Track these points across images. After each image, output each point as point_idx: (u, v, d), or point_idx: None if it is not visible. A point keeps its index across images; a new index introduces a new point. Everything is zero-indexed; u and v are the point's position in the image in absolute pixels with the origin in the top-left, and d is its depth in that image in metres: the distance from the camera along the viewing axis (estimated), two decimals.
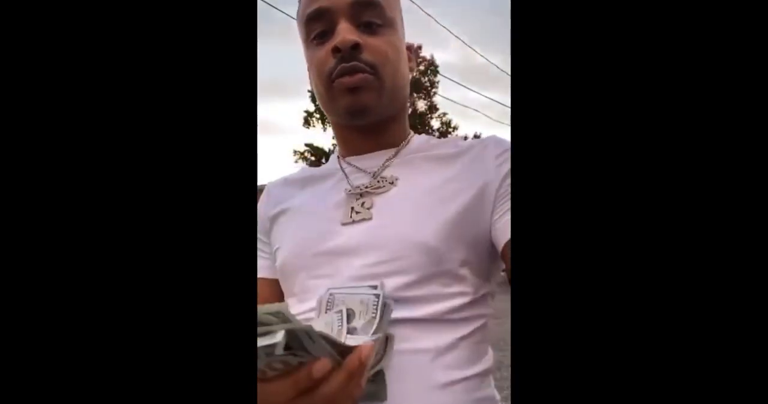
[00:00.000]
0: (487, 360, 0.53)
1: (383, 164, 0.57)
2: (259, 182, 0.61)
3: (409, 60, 0.61)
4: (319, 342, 0.35)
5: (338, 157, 0.63)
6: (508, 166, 0.52)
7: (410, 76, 0.60)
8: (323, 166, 0.65)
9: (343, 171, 0.60)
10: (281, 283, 0.61)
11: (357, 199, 0.55)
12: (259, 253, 0.63)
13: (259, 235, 0.63)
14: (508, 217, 0.49)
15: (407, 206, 0.52)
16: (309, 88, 0.70)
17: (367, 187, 0.55)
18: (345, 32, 0.51)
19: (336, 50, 0.52)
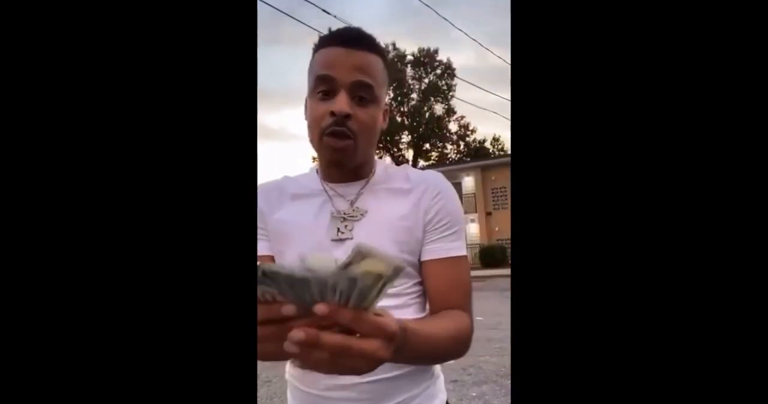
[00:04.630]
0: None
1: (357, 193, 0.81)
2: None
3: (383, 119, 0.82)
4: (299, 287, 0.38)
5: (321, 180, 0.84)
6: (441, 203, 0.78)
7: (381, 130, 0.83)
8: (306, 183, 0.86)
9: (327, 194, 0.82)
10: None
11: (341, 222, 0.78)
12: (258, 236, 0.80)
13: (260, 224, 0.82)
14: (431, 246, 0.76)
15: (376, 231, 0.76)
16: None
17: (346, 214, 0.79)
18: (342, 103, 0.72)
19: (333, 114, 0.72)
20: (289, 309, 0.40)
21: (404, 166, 0.88)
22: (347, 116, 0.73)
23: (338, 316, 0.41)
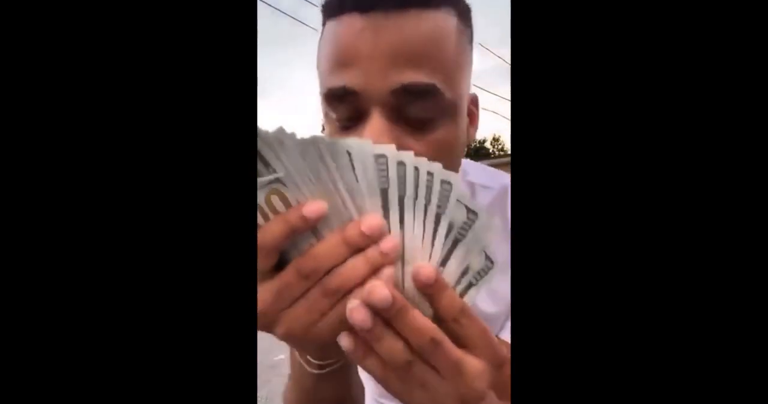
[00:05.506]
0: None
1: None
2: None
3: (472, 124, 0.48)
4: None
5: None
6: None
7: (467, 144, 0.49)
8: None
9: None
10: None
11: None
12: None
13: None
14: None
15: None
16: None
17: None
18: (377, 134, 0.37)
19: None
20: (316, 207, 0.28)
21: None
22: None
23: (438, 288, 0.28)
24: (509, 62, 0.33)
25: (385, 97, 0.38)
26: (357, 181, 0.29)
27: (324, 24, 0.44)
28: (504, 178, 0.59)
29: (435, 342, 0.28)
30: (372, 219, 0.30)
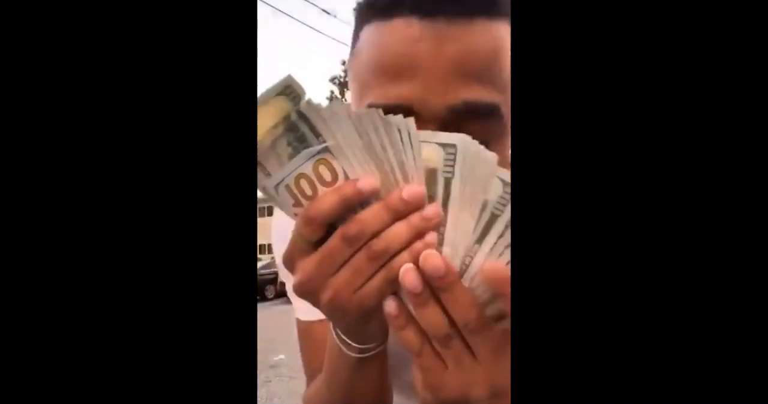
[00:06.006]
0: None
1: None
2: None
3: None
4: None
5: None
6: None
7: None
8: None
9: None
10: None
11: None
12: None
13: None
14: None
15: None
16: None
17: None
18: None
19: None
20: (370, 181, 0.29)
21: None
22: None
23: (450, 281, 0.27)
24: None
25: (441, 114, 0.35)
26: (406, 156, 0.30)
27: (362, 26, 0.41)
28: None
29: (479, 322, 0.28)
30: (413, 187, 0.30)
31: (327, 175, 0.32)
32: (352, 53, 0.42)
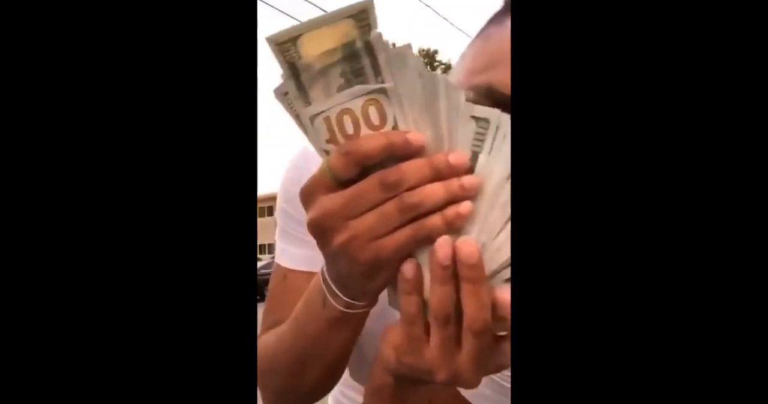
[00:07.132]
0: None
1: None
2: None
3: None
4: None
5: None
6: None
7: None
8: None
9: None
10: None
11: None
12: (297, 239, 0.57)
13: (298, 217, 0.56)
14: None
15: None
16: None
17: None
18: None
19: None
20: (421, 137, 0.29)
21: None
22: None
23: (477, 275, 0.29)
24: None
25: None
26: (457, 126, 0.29)
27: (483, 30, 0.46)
28: None
29: (485, 325, 0.29)
30: (460, 153, 0.30)
31: (375, 118, 0.31)
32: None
